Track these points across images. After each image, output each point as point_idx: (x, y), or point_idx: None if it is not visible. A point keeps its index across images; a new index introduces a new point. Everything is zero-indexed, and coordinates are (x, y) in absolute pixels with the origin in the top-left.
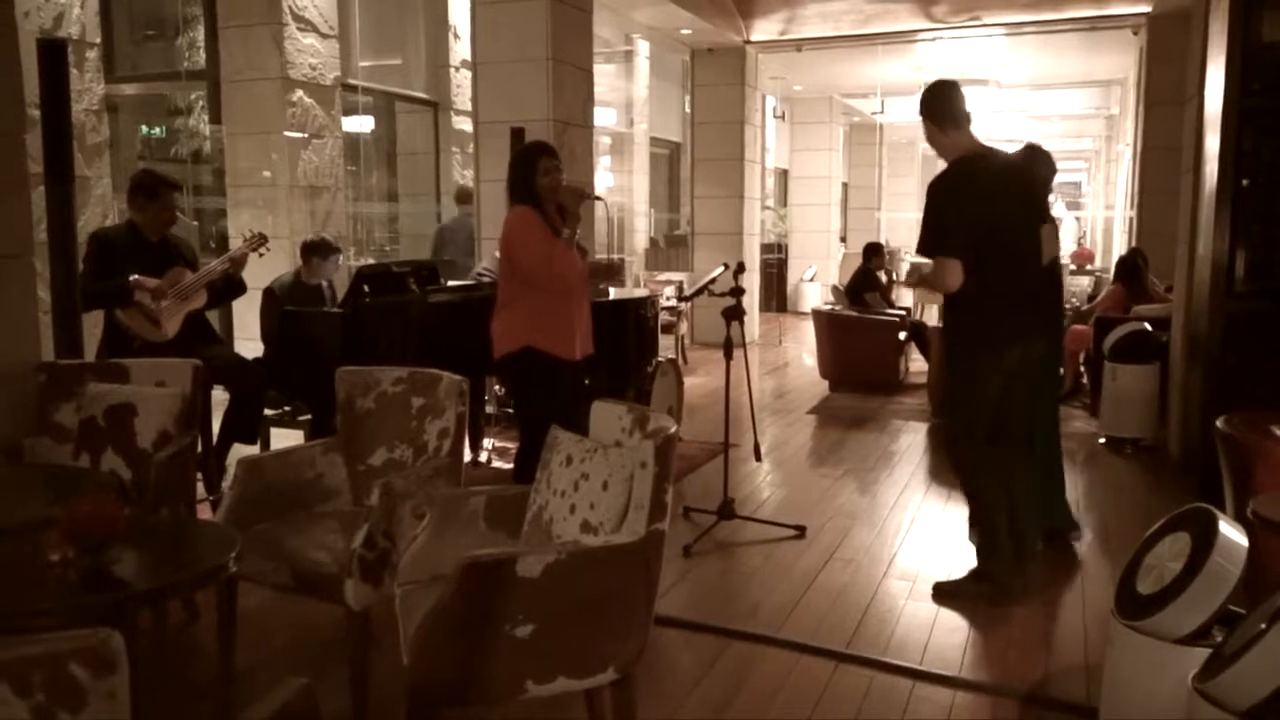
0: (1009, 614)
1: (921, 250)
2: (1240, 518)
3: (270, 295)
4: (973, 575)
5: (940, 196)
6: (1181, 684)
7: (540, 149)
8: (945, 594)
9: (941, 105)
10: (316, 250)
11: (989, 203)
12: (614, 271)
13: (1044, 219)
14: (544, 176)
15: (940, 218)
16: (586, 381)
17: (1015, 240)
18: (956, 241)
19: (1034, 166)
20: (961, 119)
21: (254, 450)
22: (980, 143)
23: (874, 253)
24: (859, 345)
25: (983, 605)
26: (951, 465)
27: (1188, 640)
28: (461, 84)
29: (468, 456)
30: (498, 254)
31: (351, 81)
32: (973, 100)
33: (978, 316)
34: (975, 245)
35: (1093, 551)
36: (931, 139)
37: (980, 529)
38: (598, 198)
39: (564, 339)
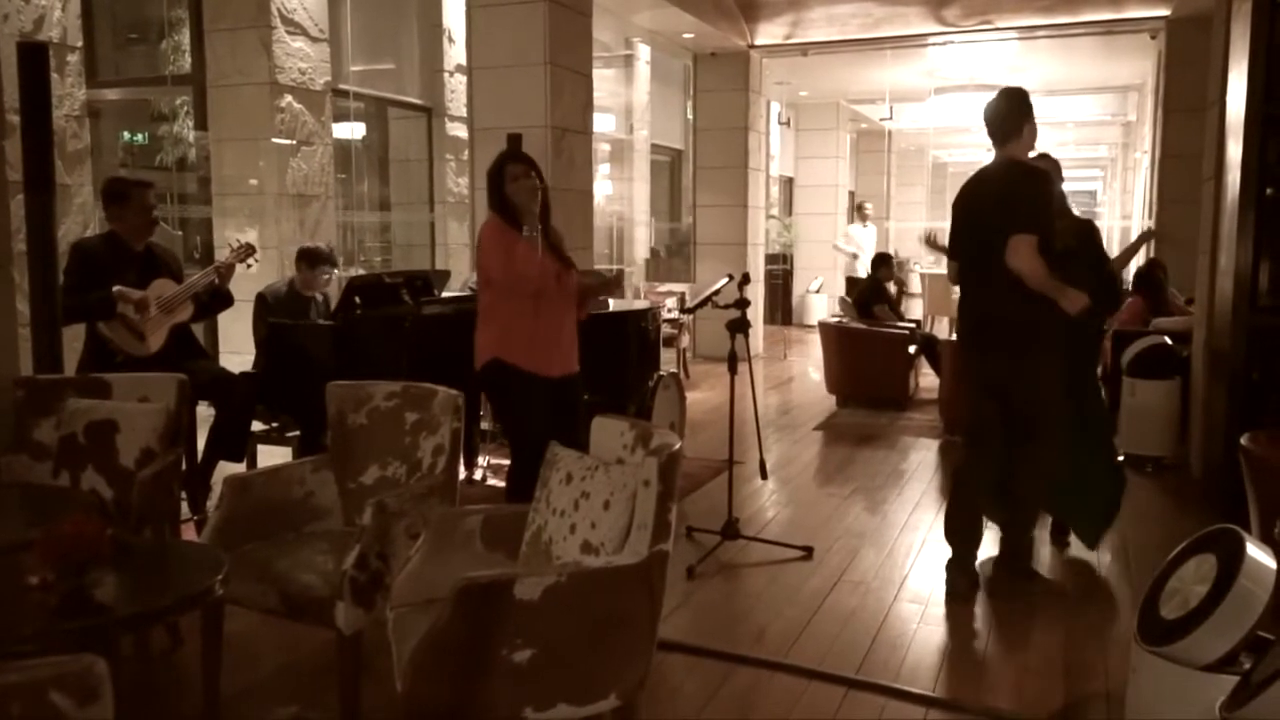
0: (1026, 640)
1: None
2: (1267, 539)
3: (261, 300)
4: (1027, 574)
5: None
6: (1208, 712)
7: (507, 156)
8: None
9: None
10: (304, 257)
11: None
12: (612, 286)
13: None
14: (511, 183)
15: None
16: (585, 398)
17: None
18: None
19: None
20: (991, 135)
21: (241, 468)
22: (1009, 157)
23: (883, 263)
24: (867, 359)
25: (999, 626)
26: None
27: (1214, 667)
28: (456, 89)
29: (462, 474)
30: None
31: (342, 86)
32: (983, 106)
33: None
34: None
35: (1112, 574)
36: None
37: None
38: (541, 185)
39: (534, 352)
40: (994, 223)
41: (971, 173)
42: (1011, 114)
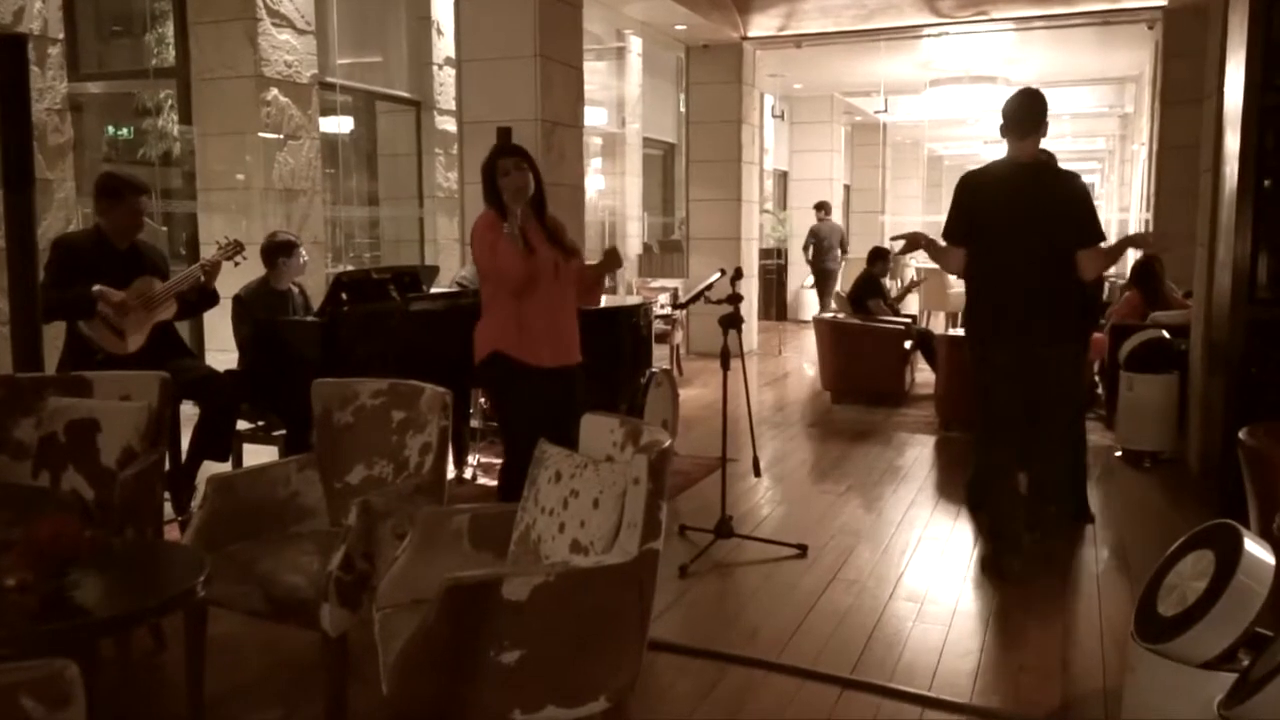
0: (1022, 638)
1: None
2: (1265, 534)
3: (239, 302)
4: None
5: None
6: (1206, 710)
7: (499, 150)
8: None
9: (1004, 112)
10: (282, 250)
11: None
12: (613, 262)
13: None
14: (502, 177)
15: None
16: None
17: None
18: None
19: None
20: (1012, 129)
21: (225, 467)
22: (1025, 154)
23: (878, 258)
24: (862, 355)
25: (995, 625)
26: None
27: (1213, 664)
28: (445, 82)
29: (451, 473)
30: None
31: (329, 80)
32: (979, 99)
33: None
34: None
35: (1109, 570)
36: None
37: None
38: (535, 176)
39: (529, 344)
40: (1058, 222)
41: (966, 165)
42: (1039, 108)
